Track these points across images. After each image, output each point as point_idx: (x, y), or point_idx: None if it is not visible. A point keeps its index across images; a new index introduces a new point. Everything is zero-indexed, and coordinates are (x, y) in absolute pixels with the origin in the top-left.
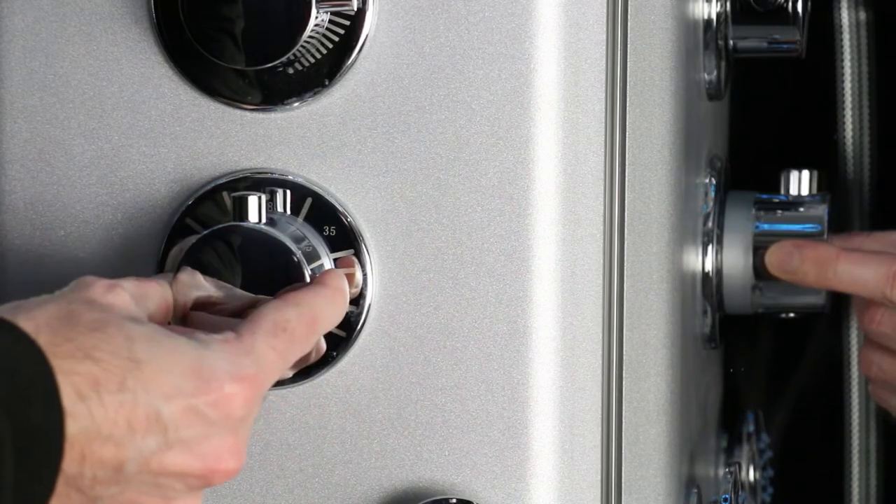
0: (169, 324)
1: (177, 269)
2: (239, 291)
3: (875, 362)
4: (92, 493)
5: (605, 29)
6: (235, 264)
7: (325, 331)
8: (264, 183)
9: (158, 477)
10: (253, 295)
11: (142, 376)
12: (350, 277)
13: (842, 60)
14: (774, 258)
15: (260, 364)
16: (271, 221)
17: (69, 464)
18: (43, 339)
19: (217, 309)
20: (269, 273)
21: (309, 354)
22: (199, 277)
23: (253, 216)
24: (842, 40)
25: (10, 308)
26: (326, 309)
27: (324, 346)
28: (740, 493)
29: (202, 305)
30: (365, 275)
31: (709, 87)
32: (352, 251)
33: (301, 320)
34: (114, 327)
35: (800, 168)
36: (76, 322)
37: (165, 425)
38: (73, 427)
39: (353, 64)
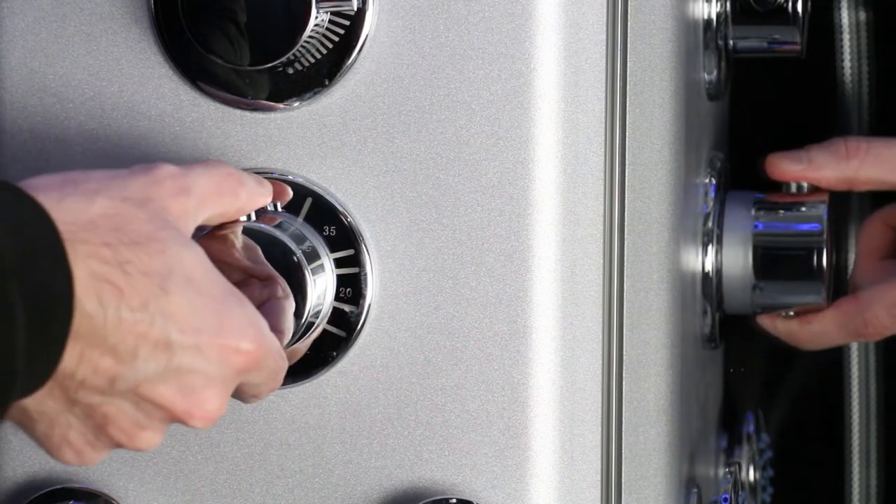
0: (220, 234)
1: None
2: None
3: None
4: (73, 396)
5: (605, 29)
6: None
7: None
8: None
9: (142, 402)
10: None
11: (166, 305)
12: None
13: (842, 60)
14: (780, 160)
15: (268, 349)
16: (271, 220)
17: (67, 358)
18: (78, 236)
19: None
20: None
21: (297, 347)
22: (249, 241)
23: None
24: (842, 40)
25: (60, 183)
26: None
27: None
28: (740, 493)
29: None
30: (365, 275)
31: (709, 87)
32: (352, 251)
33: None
34: (157, 246)
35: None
36: (121, 227)
37: (170, 356)
38: (82, 326)
39: (353, 64)
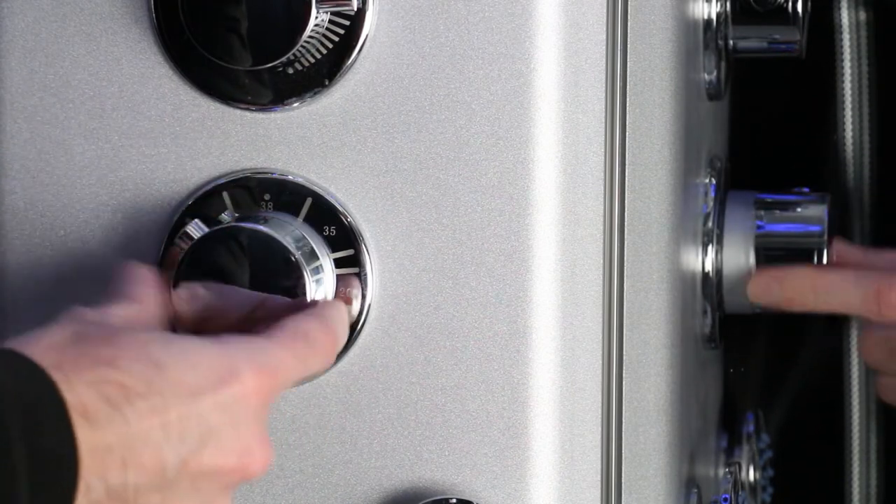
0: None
1: (174, 284)
2: (245, 292)
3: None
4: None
5: (605, 29)
6: (235, 265)
7: (341, 346)
8: (264, 183)
9: (197, 479)
10: (259, 294)
11: (166, 377)
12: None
13: (842, 60)
14: (756, 290)
15: (278, 362)
16: (271, 221)
17: (112, 474)
18: (53, 359)
19: (223, 318)
20: (268, 273)
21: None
22: (199, 289)
23: None
24: (842, 40)
25: (17, 342)
26: (343, 324)
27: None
28: (740, 493)
29: (205, 318)
30: (365, 275)
31: (709, 87)
32: (351, 251)
33: (322, 330)
34: (125, 336)
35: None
36: (86, 338)
37: (197, 423)
38: (110, 436)
39: (353, 64)
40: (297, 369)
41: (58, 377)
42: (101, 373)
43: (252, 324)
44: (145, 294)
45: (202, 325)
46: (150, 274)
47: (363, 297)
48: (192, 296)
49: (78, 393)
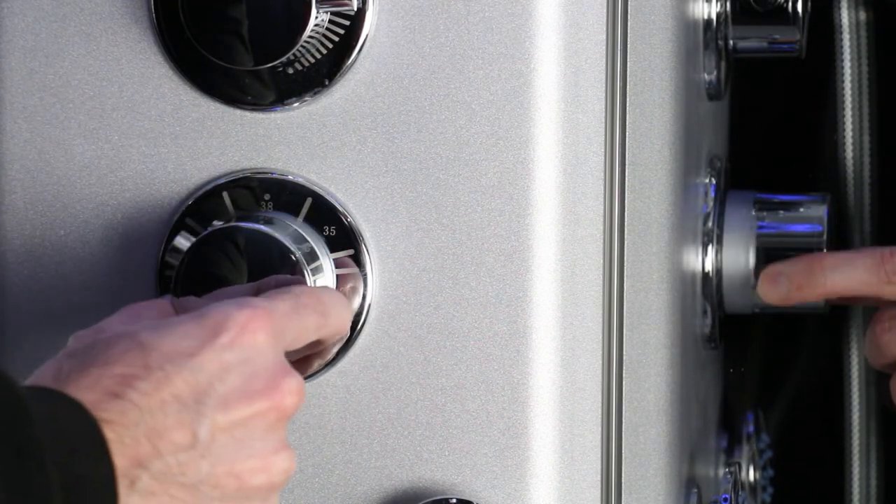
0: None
1: (174, 286)
2: (236, 287)
3: None
4: (188, 480)
5: (605, 29)
6: (235, 265)
7: (332, 328)
8: (264, 183)
9: (234, 432)
10: (250, 284)
11: (160, 353)
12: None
13: (842, 60)
14: (765, 288)
15: (268, 305)
16: (271, 221)
17: (149, 460)
18: (52, 384)
19: None
20: (268, 273)
21: (312, 360)
22: (193, 299)
23: None
24: (842, 40)
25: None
26: (331, 299)
27: (332, 354)
28: (740, 493)
29: None
30: (365, 275)
31: (709, 87)
32: (351, 251)
33: (307, 292)
34: (113, 336)
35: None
36: (79, 353)
37: (208, 381)
38: (130, 427)
39: (353, 64)
40: (291, 316)
41: (74, 389)
42: (97, 372)
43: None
44: (140, 307)
45: None
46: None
47: (363, 297)
48: (185, 307)
49: (84, 399)
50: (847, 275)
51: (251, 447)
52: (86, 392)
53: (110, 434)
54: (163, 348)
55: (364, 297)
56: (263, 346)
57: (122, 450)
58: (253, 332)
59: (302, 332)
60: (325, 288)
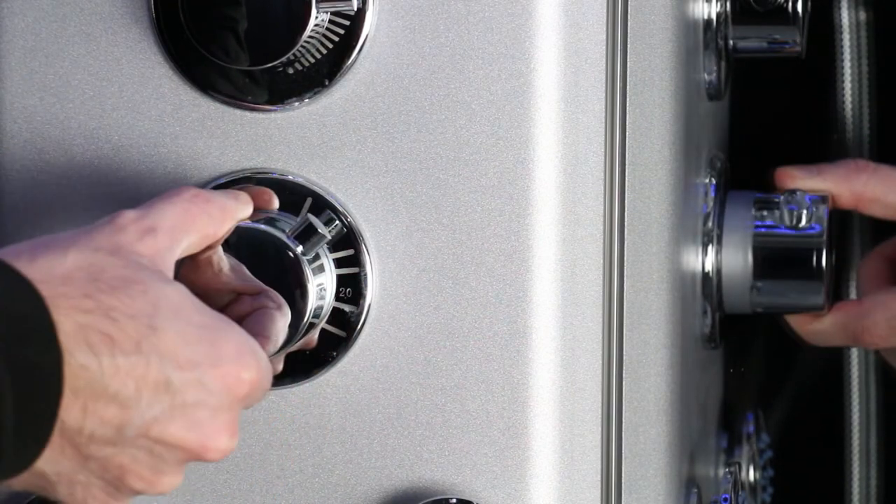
0: (202, 259)
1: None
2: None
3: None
4: (86, 451)
5: (605, 29)
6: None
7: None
8: (264, 183)
9: (155, 445)
10: (262, 286)
11: (158, 343)
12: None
13: (842, 60)
14: (791, 172)
15: (266, 365)
16: (271, 221)
17: (70, 415)
18: (56, 289)
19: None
20: (268, 273)
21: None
22: (233, 259)
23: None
24: (842, 40)
25: (30, 246)
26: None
27: (315, 338)
28: (740, 493)
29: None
30: (365, 275)
31: (709, 87)
32: (351, 251)
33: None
34: (138, 288)
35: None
36: (98, 277)
37: (173, 395)
38: (80, 379)
39: (353, 64)
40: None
41: (52, 308)
42: (94, 319)
43: (242, 306)
44: (181, 232)
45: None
46: (198, 208)
47: (363, 296)
48: (228, 262)
49: (64, 331)
50: (882, 188)
51: (154, 463)
52: (71, 327)
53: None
54: (163, 340)
55: (364, 297)
56: (237, 401)
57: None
58: (241, 388)
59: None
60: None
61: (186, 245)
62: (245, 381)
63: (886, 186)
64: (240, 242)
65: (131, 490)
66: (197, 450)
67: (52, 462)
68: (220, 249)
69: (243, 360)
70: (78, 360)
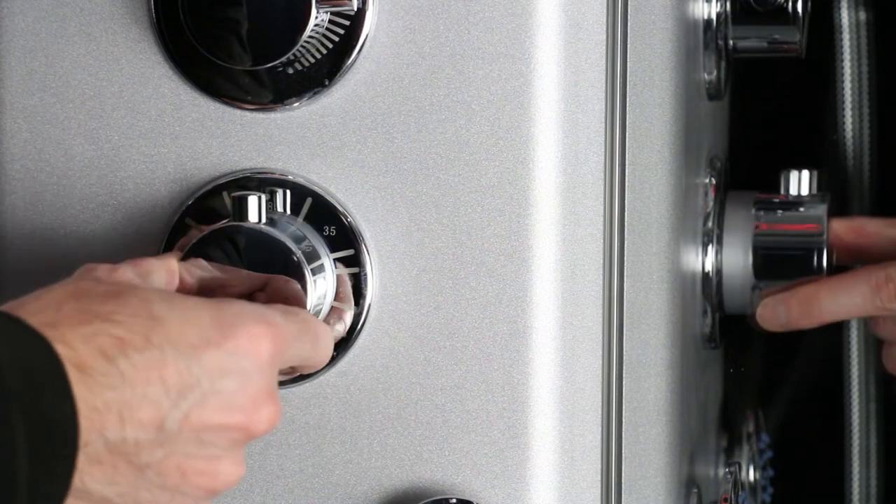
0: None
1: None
2: (245, 272)
3: None
4: (138, 461)
5: (605, 29)
6: (235, 264)
7: (318, 359)
8: (264, 183)
9: (201, 433)
10: (262, 274)
11: (165, 332)
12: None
13: (842, 60)
14: (764, 317)
15: (280, 322)
16: (271, 221)
17: (110, 430)
18: (50, 317)
19: (225, 291)
20: (270, 273)
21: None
22: (203, 262)
23: (253, 216)
24: (842, 40)
25: (16, 304)
26: (323, 331)
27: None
28: (740, 493)
29: (209, 289)
30: (365, 275)
31: (709, 87)
32: (351, 251)
33: (312, 321)
34: (127, 292)
35: (799, 168)
36: (88, 296)
37: (198, 378)
38: (106, 390)
39: (353, 64)
40: (296, 340)
41: (52, 335)
42: (98, 327)
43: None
44: (153, 263)
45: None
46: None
47: (363, 296)
48: (198, 264)
49: (74, 348)
50: (842, 302)
51: (208, 452)
52: (80, 342)
53: (83, 391)
54: (170, 328)
55: (364, 296)
56: (263, 363)
57: (91, 408)
58: (260, 346)
59: (296, 357)
60: (319, 321)
61: (155, 276)
62: (259, 336)
63: None
64: (242, 244)
65: (198, 488)
66: (242, 424)
67: (110, 483)
68: (178, 262)
69: (248, 321)
70: (96, 369)
